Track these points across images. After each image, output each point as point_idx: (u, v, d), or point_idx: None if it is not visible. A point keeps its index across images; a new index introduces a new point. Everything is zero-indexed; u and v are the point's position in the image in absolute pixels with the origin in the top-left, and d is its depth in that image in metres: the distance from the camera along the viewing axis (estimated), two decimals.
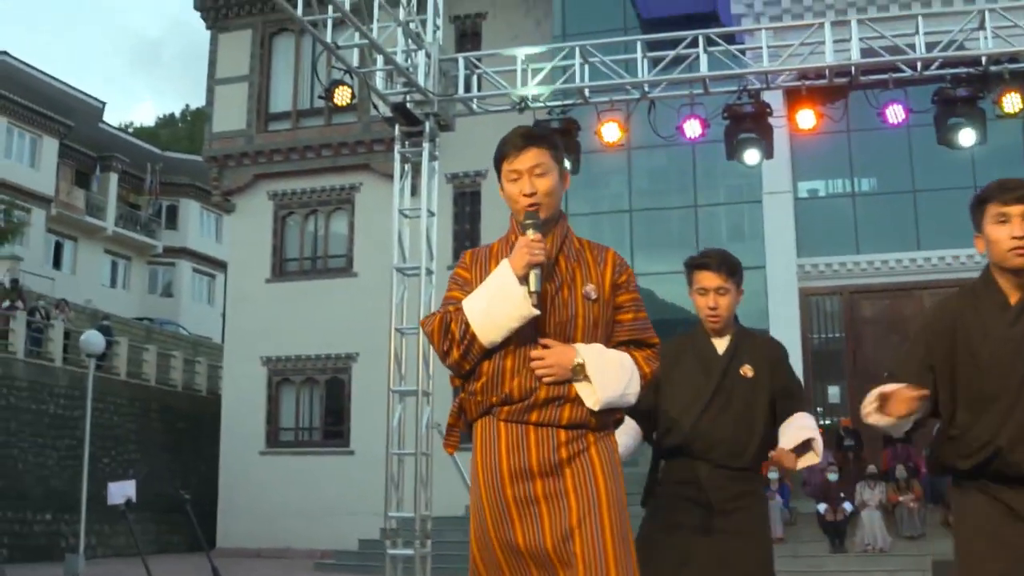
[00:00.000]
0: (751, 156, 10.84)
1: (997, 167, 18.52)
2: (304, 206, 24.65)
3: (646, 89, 10.53)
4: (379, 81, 10.35)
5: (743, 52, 10.98)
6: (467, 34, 23.75)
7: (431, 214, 10.53)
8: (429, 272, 10.45)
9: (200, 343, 35.37)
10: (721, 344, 4.62)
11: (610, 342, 3.53)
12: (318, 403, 23.99)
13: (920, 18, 10.32)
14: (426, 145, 10.41)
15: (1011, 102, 10.44)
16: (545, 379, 3.37)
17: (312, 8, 9.35)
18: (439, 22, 10.75)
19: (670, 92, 10.82)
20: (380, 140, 22.40)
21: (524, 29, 23.37)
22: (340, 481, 21.93)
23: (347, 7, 8.90)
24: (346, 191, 24.28)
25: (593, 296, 3.48)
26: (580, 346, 3.42)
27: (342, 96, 9.43)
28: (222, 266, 38.05)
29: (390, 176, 21.79)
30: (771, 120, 10.55)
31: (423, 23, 10.60)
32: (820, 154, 19.32)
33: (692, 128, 10.72)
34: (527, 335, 3.41)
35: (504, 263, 3.42)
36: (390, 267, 10.65)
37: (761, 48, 10.61)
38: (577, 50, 10.60)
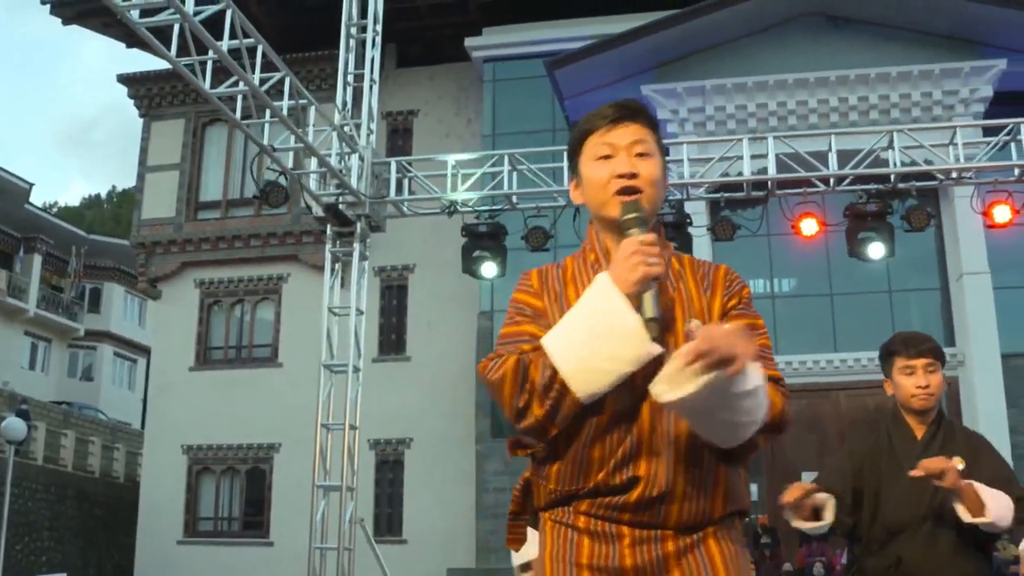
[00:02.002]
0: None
1: (912, 273, 19.30)
2: (231, 295, 24.69)
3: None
4: (313, 181, 10.62)
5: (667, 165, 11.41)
6: (398, 130, 24.15)
7: (360, 312, 10.76)
8: (356, 369, 10.65)
9: (119, 429, 34.95)
10: None
11: None
12: (238, 493, 23.81)
13: (833, 137, 10.84)
14: (357, 245, 10.70)
15: (917, 218, 10.99)
16: (729, 371, 2.21)
17: (250, 111, 9.62)
18: (373, 126, 11.11)
19: None
20: (309, 232, 22.63)
21: (454, 127, 23.88)
22: (259, 573, 21.74)
23: (284, 111, 9.18)
24: (273, 281, 24.38)
25: None
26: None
27: (276, 198, 9.70)
28: (144, 351, 37.78)
29: (318, 268, 22.19)
30: (691, 229, 10.96)
31: (357, 127, 10.94)
32: (740, 256, 19.87)
33: None
34: (622, 398, 2.41)
35: (602, 279, 2.38)
36: (315, 359, 10.85)
37: (683, 159, 11.10)
38: (506, 158, 10.99)
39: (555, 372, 2.34)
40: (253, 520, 23.45)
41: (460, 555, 20.05)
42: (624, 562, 2.42)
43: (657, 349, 2.31)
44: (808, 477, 4.62)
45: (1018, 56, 19.76)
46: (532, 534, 5.88)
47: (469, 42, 22.91)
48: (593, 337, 2.33)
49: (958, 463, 4.13)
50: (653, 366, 2.34)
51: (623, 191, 2.52)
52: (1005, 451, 10.57)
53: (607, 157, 2.57)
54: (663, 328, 2.40)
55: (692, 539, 2.44)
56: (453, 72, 24.27)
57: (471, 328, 21.48)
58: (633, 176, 2.52)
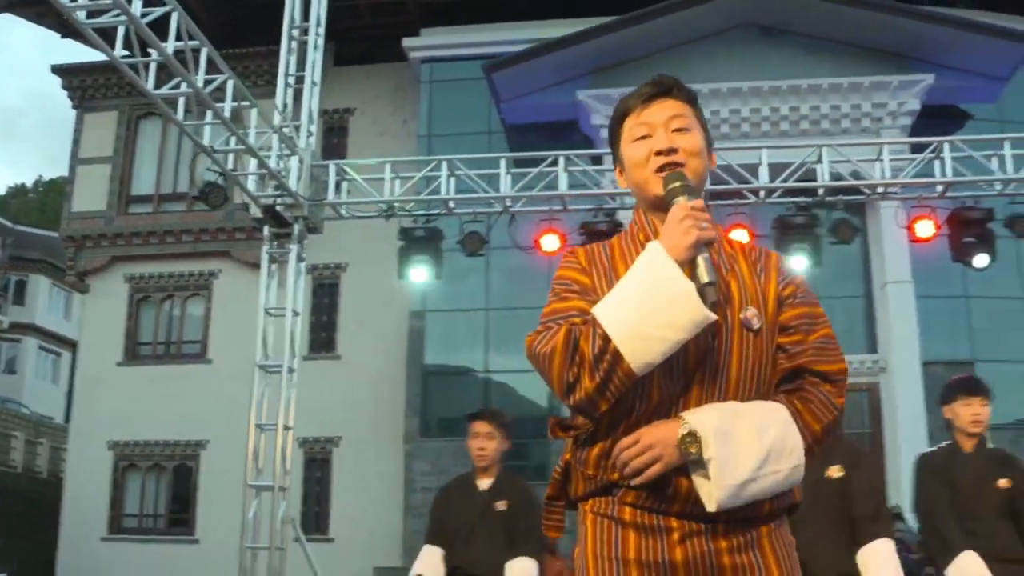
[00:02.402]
0: None
1: (837, 281, 19.66)
2: (161, 290, 24.49)
3: (508, 203, 11.06)
4: (251, 182, 10.65)
5: (601, 173, 11.63)
6: (334, 128, 24.10)
7: (295, 314, 10.82)
8: (291, 370, 10.70)
9: (42, 423, 34.48)
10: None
11: (773, 381, 2.44)
12: (164, 490, 23.63)
13: (764, 151, 11.09)
14: (293, 247, 10.75)
15: (843, 232, 11.27)
16: (646, 474, 2.28)
17: (191, 108, 9.62)
18: (313, 128, 11.16)
19: (531, 207, 11.36)
20: (241, 228, 22.51)
21: (390, 127, 23.91)
22: (184, 570, 21.59)
23: (227, 112, 9.21)
24: (204, 277, 24.22)
25: (755, 326, 2.39)
26: (697, 414, 2.30)
27: (216, 199, 9.73)
28: (70, 345, 37.31)
29: (250, 264, 22.15)
30: None
31: (297, 128, 10.99)
32: None
33: (549, 243, 11.26)
34: (671, 381, 2.33)
35: (653, 246, 2.29)
36: (245, 357, 10.88)
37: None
38: (444, 163, 11.10)
39: (607, 341, 2.22)
40: (179, 517, 23.27)
41: (387, 554, 20.08)
42: (675, 555, 2.30)
43: (711, 316, 2.21)
44: None
45: (945, 71, 20.25)
46: (427, 549, 6.05)
47: (407, 42, 22.94)
48: (646, 304, 2.22)
49: (836, 472, 4.95)
50: (707, 343, 2.31)
51: (663, 168, 2.46)
52: None
53: (645, 137, 2.52)
54: (722, 311, 2.34)
55: (745, 538, 2.33)
56: (390, 72, 24.28)
57: (402, 328, 21.54)
58: (672, 151, 2.46)
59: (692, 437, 2.23)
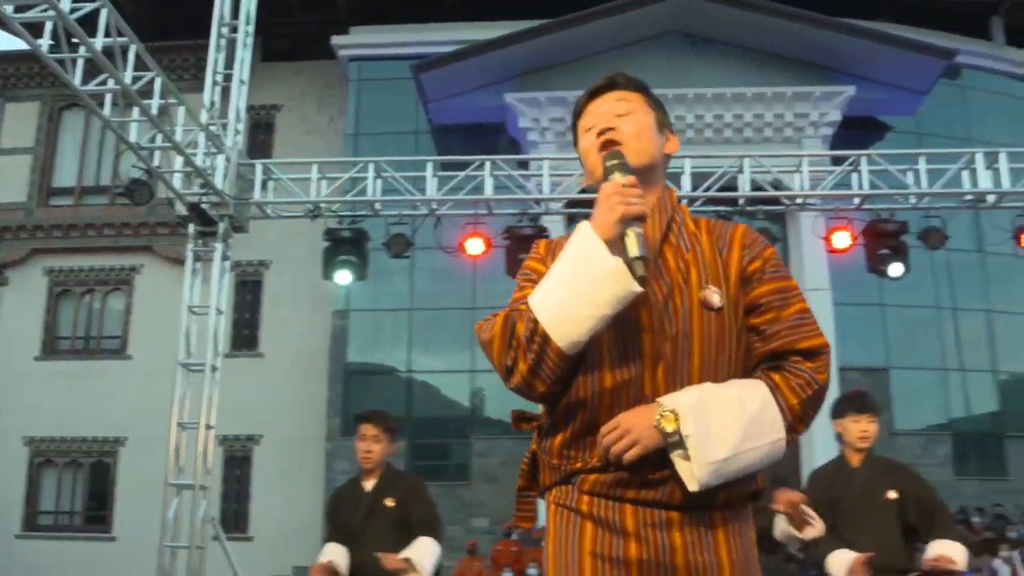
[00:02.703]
0: None
1: None
2: (81, 284, 24.14)
3: (434, 206, 11.12)
4: (177, 180, 10.60)
5: (527, 178, 11.75)
6: (260, 125, 23.92)
7: (219, 312, 10.78)
8: (214, 369, 10.67)
9: None
10: None
11: (749, 364, 2.43)
12: (81, 487, 23.33)
13: (687, 160, 11.28)
14: (219, 246, 10.72)
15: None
16: (625, 458, 2.26)
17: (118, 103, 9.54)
18: (240, 127, 11.14)
19: (456, 211, 11.43)
20: (164, 224, 22.28)
21: (317, 125, 23.86)
22: (101, 569, 21.34)
23: (154, 109, 9.16)
24: (126, 272, 23.93)
25: (716, 303, 2.37)
26: (674, 396, 2.29)
27: (141, 197, 9.68)
28: None
29: (172, 260, 21.95)
30: None
31: (224, 127, 10.96)
32: None
33: (474, 246, 11.34)
34: (626, 366, 2.32)
35: (582, 226, 2.31)
36: (166, 353, 10.83)
37: (543, 173, 11.41)
38: (371, 165, 11.14)
39: (536, 323, 2.25)
40: (96, 515, 22.98)
41: (306, 553, 19.97)
42: (629, 552, 2.30)
43: (635, 288, 2.20)
44: None
45: (866, 83, 20.70)
46: (331, 545, 6.15)
47: (336, 40, 22.91)
48: (570, 283, 2.25)
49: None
50: (662, 325, 2.32)
51: (603, 148, 2.47)
52: None
53: (590, 130, 2.54)
54: (680, 292, 2.35)
55: (700, 531, 2.32)
56: (318, 69, 24.22)
57: (326, 326, 21.52)
58: (608, 130, 2.48)
59: (669, 415, 2.23)
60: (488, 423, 20.77)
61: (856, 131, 20.57)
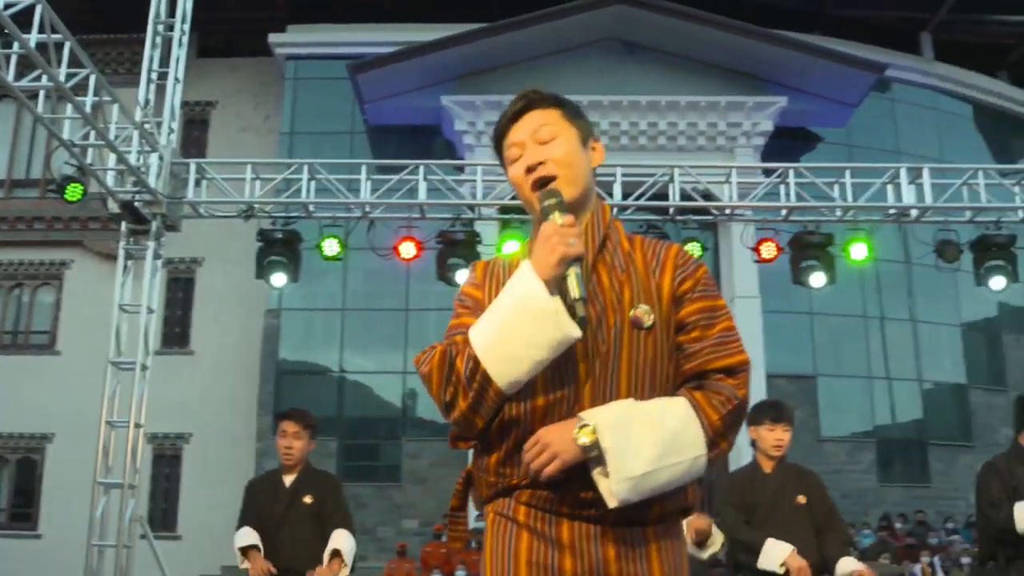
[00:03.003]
0: (461, 278, 11.59)
1: None
2: (9, 278, 23.81)
3: (367, 209, 11.17)
4: (110, 177, 10.55)
5: (460, 183, 11.86)
6: (195, 121, 23.80)
7: (151, 311, 10.75)
8: (144, 368, 10.64)
9: None
10: None
11: (677, 382, 2.45)
12: (6, 483, 23.00)
13: (619, 169, 11.42)
14: (151, 244, 10.69)
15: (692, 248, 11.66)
16: (544, 472, 2.27)
17: (51, 97, 9.48)
18: (174, 125, 11.12)
19: (390, 214, 11.48)
20: (96, 218, 22.02)
21: (252, 122, 23.78)
22: (26, 567, 21.05)
23: (88, 107, 9.12)
24: (56, 267, 23.65)
25: (646, 323, 2.39)
26: (594, 411, 2.30)
27: (73, 193, 9.63)
28: None
29: (103, 255, 21.71)
30: (480, 248, 11.35)
31: (158, 125, 10.94)
32: None
33: (407, 249, 11.40)
34: (559, 386, 2.34)
35: (524, 265, 2.32)
36: (95, 349, 10.76)
37: (477, 179, 11.50)
38: (305, 167, 11.17)
39: (477, 363, 2.26)
40: (22, 512, 22.68)
41: (235, 553, 19.93)
42: (564, 564, 2.32)
43: (574, 334, 2.23)
44: None
45: (798, 95, 21.04)
46: (245, 529, 6.27)
47: (273, 38, 22.85)
48: (510, 324, 2.26)
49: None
50: (594, 346, 2.33)
51: (536, 185, 2.45)
52: None
53: (517, 157, 2.52)
54: (613, 311, 2.37)
55: (634, 547, 2.35)
56: (254, 66, 24.15)
57: (258, 325, 21.46)
58: (538, 166, 2.46)
59: (587, 427, 2.24)
60: (419, 424, 20.84)
61: (788, 141, 20.92)
